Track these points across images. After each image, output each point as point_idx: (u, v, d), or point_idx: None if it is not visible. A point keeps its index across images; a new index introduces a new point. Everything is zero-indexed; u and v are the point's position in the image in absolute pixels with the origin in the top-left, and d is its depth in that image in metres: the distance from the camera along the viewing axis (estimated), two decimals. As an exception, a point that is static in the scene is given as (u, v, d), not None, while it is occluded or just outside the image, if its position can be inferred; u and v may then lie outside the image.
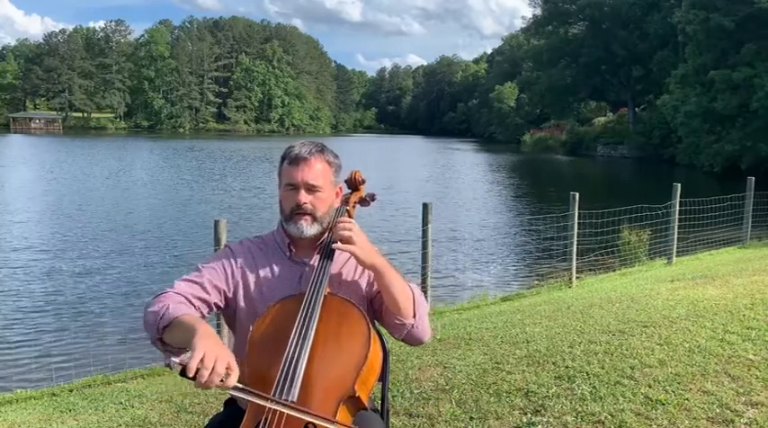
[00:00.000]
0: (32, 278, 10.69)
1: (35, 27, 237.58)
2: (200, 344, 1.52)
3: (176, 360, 1.50)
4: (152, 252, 12.82)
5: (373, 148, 61.80)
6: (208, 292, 1.86)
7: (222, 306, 1.91)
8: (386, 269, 1.82)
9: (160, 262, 11.83)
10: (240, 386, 1.56)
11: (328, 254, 1.87)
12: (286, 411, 1.58)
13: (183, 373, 1.48)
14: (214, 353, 1.50)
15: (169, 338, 1.71)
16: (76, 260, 11.98)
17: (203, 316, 1.86)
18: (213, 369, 1.48)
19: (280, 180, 1.93)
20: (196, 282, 1.86)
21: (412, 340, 1.90)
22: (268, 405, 1.59)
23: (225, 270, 1.91)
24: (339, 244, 1.81)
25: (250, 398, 1.60)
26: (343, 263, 1.95)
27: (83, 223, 16.19)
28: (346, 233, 1.80)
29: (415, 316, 1.86)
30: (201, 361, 1.48)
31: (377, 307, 1.93)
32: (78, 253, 12.65)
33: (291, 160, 1.89)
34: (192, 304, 1.82)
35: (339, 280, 1.92)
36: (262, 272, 1.93)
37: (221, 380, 1.50)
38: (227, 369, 1.50)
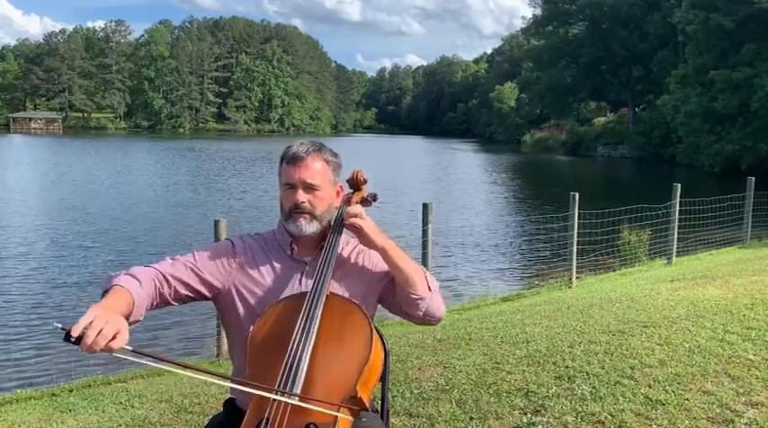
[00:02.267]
0: (32, 278, 10.69)
1: (34, 27, 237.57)
2: (93, 309, 1.50)
3: (59, 324, 1.44)
4: (152, 252, 12.81)
5: (373, 149, 61.78)
6: (189, 276, 1.86)
7: (208, 296, 1.90)
8: (394, 248, 1.86)
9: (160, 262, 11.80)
10: (129, 348, 1.50)
11: (330, 253, 1.88)
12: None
13: (68, 338, 1.41)
14: (104, 318, 1.48)
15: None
16: (77, 260, 11.98)
17: (179, 298, 1.86)
18: (101, 331, 1.45)
19: (279, 180, 1.95)
20: (181, 263, 1.87)
21: (430, 316, 1.91)
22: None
23: (221, 262, 1.91)
24: (349, 219, 1.83)
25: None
26: (344, 261, 1.96)
27: (82, 224, 16.19)
28: (354, 213, 1.83)
29: (430, 289, 1.89)
30: (90, 324, 1.45)
31: (389, 294, 1.94)
32: (78, 253, 12.65)
33: (289, 160, 1.90)
34: (166, 280, 1.82)
35: (341, 278, 1.92)
36: (262, 270, 1.93)
37: (106, 343, 1.45)
38: (115, 333, 1.47)
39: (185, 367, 1.60)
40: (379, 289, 1.95)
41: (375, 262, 1.95)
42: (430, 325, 2.00)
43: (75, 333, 1.40)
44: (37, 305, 9.17)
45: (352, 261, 1.97)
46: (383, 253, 1.85)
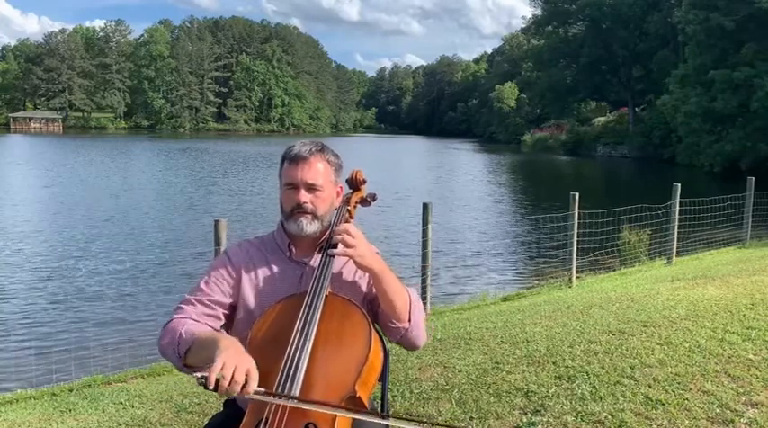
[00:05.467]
0: (32, 278, 10.69)
1: (32, 26, 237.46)
2: (220, 356, 1.55)
3: (198, 374, 1.54)
4: (153, 252, 12.82)
5: (373, 149, 61.78)
6: (212, 308, 1.88)
7: (230, 313, 1.93)
8: (383, 272, 1.83)
9: (161, 261, 11.82)
10: (262, 390, 1.57)
11: (329, 254, 1.88)
12: (292, 404, 1.59)
13: (206, 386, 1.51)
14: (233, 362, 1.53)
15: (192, 361, 1.73)
16: (77, 260, 11.97)
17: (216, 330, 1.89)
18: (232, 378, 1.51)
19: (280, 180, 1.95)
20: (199, 302, 1.88)
21: (406, 344, 1.92)
22: (275, 401, 1.60)
23: (224, 280, 1.92)
24: (336, 250, 1.82)
25: (261, 398, 1.61)
26: (344, 263, 1.95)
27: (82, 224, 16.18)
28: (343, 237, 1.81)
29: (409, 321, 1.88)
30: (221, 371, 1.51)
31: (374, 309, 1.94)
32: (79, 253, 12.64)
33: (291, 160, 1.90)
34: (200, 322, 1.84)
35: (340, 280, 1.93)
36: (261, 274, 1.93)
37: (242, 388, 1.52)
38: (246, 375, 1.53)
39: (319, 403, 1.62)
40: (371, 297, 1.95)
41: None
42: (405, 349, 2.00)
43: (210, 386, 1.50)
44: (38, 303, 9.17)
45: (351, 266, 1.96)
46: (372, 274, 1.84)
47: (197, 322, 1.82)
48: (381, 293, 1.85)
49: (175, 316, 1.85)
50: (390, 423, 1.76)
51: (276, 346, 1.71)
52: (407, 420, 1.73)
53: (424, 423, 1.64)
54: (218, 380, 1.50)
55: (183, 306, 1.88)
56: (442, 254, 12.03)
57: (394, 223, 16.05)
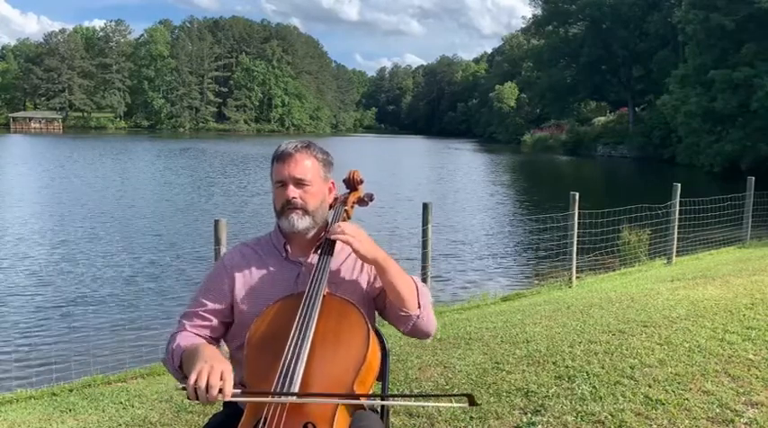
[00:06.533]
0: (32, 279, 10.68)
1: (31, 26, 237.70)
2: (194, 367, 1.61)
3: (180, 386, 1.60)
4: (152, 252, 12.81)
5: (374, 149, 61.79)
6: (208, 319, 1.93)
7: (231, 320, 1.96)
8: (387, 262, 1.84)
9: (161, 262, 11.81)
10: (239, 391, 1.61)
11: (327, 253, 1.88)
12: (289, 400, 1.60)
13: (188, 397, 1.57)
14: (207, 368, 1.58)
15: (187, 373, 1.76)
16: (77, 260, 11.97)
17: (217, 339, 1.95)
18: (208, 384, 1.56)
19: (271, 180, 1.97)
20: (195, 315, 1.93)
21: (418, 332, 1.91)
22: (269, 401, 1.61)
23: (219, 288, 1.94)
24: (338, 235, 1.82)
25: (252, 400, 1.62)
26: (341, 262, 1.96)
27: (82, 224, 16.19)
28: (342, 228, 1.83)
29: (419, 308, 1.88)
30: (197, 380, 1.56)
31: (381, 303, 1.94)
32: (79, 253, 12.65)
33: (278, 158, 1.93)
34: (199, 335, 1.90)
35: (338, 279, 1.92)
36: (256, 274, 1.94)
37: (220, 391, 1.56)
38: (221, 379, 1.57)
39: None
40: (374, 294, 1.95)
41: (370, 267, 1.95)
42: (418, 338, 2.00)
43: (191, 397, 1.56)
44: (38, 303, 9.16)
45: (349, 265, 1.97)
46: (376, 265, 1.84)
47: (191, 335, 1.88)
48: (387, 283, 1.85)
49: (175, 331, 1.92)
50: (388, 403, 1.76)
51: (274, 345, 1.71)
52: (409, 396, 1.75)
53: (419, 395, 1.65)
54: (195, 391, 1.55)
55: (182, 320, 1.95)
56: (442, 254, 12.02)
57: (395, 224, 16.03)
